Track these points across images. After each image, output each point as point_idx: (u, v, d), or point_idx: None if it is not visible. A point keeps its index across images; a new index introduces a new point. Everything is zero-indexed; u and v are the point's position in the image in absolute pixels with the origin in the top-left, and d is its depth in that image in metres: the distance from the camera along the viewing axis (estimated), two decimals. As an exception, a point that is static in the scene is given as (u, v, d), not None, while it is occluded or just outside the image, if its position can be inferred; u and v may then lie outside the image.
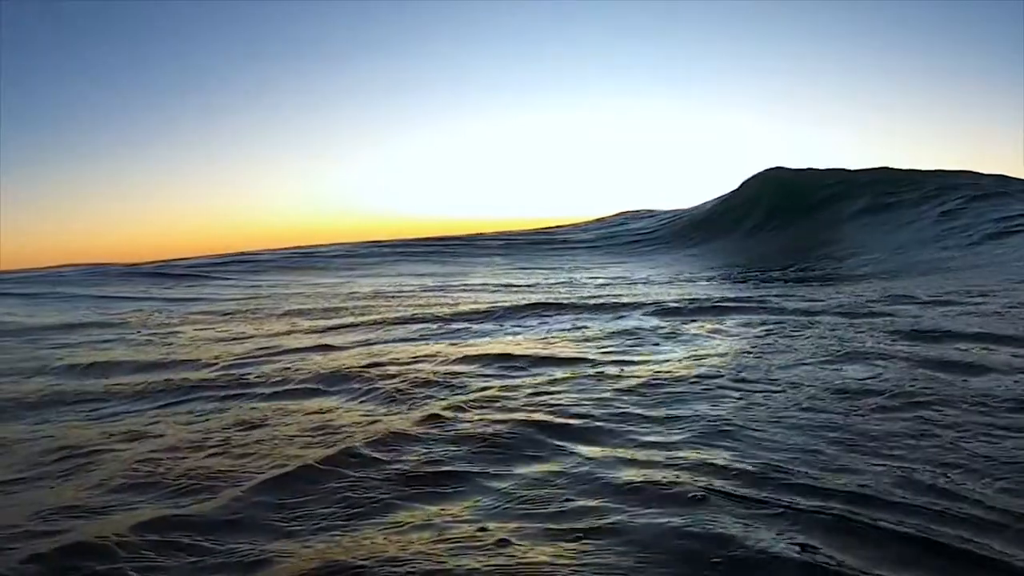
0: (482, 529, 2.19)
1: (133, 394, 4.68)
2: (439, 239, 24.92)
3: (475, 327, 6.55)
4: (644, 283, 11.01)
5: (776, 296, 8.01)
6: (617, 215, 30.01)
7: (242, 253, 22.37)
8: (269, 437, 3.43)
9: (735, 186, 23.79)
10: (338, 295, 10.67)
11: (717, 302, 7.30)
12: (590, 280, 11.77)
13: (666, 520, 2.20)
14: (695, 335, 5.59)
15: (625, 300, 7.89)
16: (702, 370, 4.26)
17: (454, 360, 4.93)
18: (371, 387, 4.33)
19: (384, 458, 2.98)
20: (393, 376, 4.54)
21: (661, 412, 3.48)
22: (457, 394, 3.99)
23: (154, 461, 3.17)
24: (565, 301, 8.03)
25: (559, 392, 3.93)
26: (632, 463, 2.75)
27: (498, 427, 3.27)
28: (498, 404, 3.72)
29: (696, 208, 25.02)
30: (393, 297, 9.95)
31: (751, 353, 4.76)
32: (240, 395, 4.40)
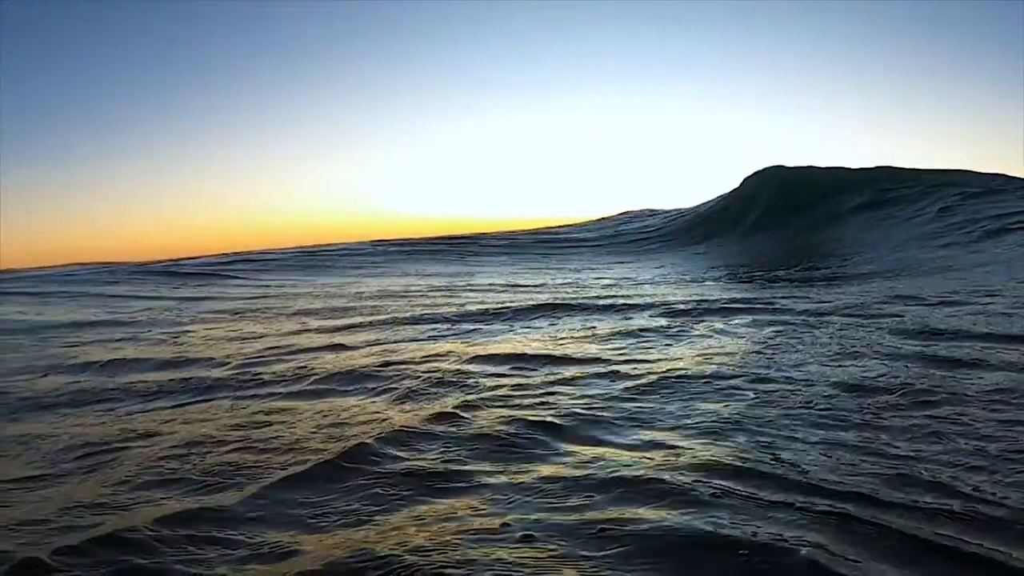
0: (505, 524, 2.25)
1: (150, 392, 4.74)
2: (443, 238, 25.00)
3: (485, 327, 6.61)
4: (650, 283, 11.06)
5: (783, 296, 8.06)
6: (619, 215, 30.10)
7: (248, 252, 22.46)
8: (288, 434, 3.49)
9: (735, 184, 23.92)
10: (345, 295, 10.73)
11: (726, 303, 7.34)
12: (596, 280, 11.82)
13: (683, 517, 2.24)
14: (705, 335, 5.64)
15: (633, 301, 7.94)
16: (715, 369, 4.31)
17: (466, 360, 4.98)
18: (385, 386, 4.39)
19: (403, 454, 3.04)
20: (407, 375, 4.60)
21: (675, 409, 3.54)
22: (472, 392, 4.04)
23: (177, 457, 3.23)
24: (573, 302, 8.08)
25: (573, 390, 3.99)
26: (647, 460, 2.80)
27: (515, 424, 3.33)
28: (513, 402, 3.78)
29: (698, 207, 25.09)
30: (401, 297, 10.00)
31: (762, 352, 4.80)
32: (257, 394, 4.46)
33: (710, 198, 25.08)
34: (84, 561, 2.13)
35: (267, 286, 13.18)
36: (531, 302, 8.20)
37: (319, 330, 7.05)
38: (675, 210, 26.99)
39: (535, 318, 7.03)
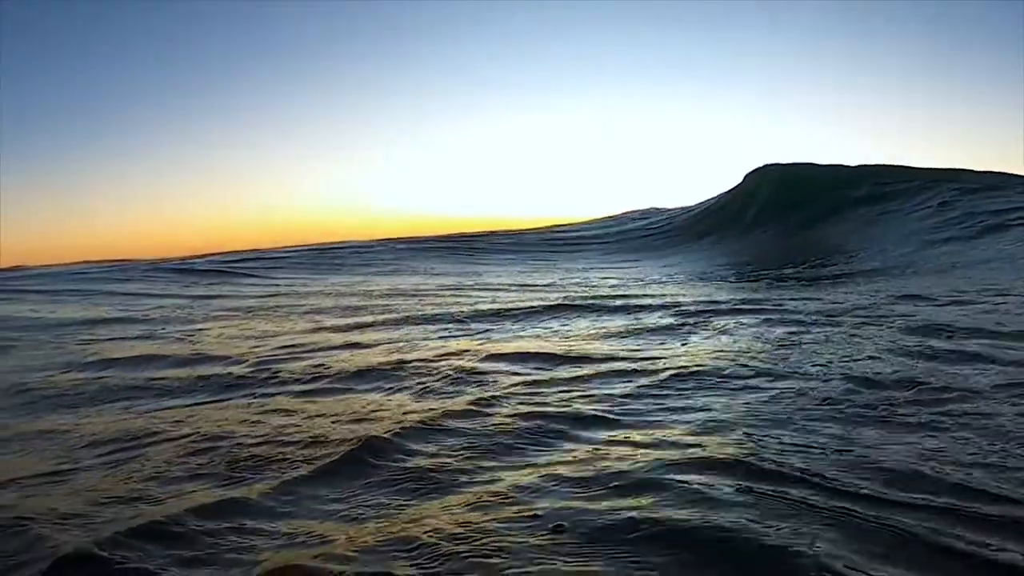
0: (535, 516, 2.30)
1: (169, 389, 4.79)
2: (450, 237, 25.08)
3: (498, 327, 6.66)
4: (659, 283, 11.10)
5: (794, 296, 8.10)
6: (623, 214, 30.15)
7: (258, 250, 22.57)
8: (310, 429, 3.54)
9: (737, 181, 24.01)
10: (356, 293, 10.80)
11: (738, 304, 7.37)
12: (605, 280, 11.87)
13: (699, 512, 2.28)
14: (718, 334, 5.68)
15: (644, 301, 7.98)
16: (731, 367, 4.35)
17: (482, 358, 5.03)
18: (403, 383, 4.45)
19: (427, 447, 3.10)
20: (423, 373, 4.66)
21: (694, 405, 3.59)
22: (490, 389, 4.09)
23: (202, 452, 3.29)
24: (583, 302, 8.12)
25: (592, 387, 4.04)
26: (670, 455, 2.84)
27: (537, 419, 3.39)
28: (533, 398, 3.83)
29: (702, 204, 25.13)
30: (411, 296, 10.06)
31: (777, 352, 4.84)
32: (276, 391, 4.51)
33: (712, 196, 25.16)
34: (130, 553, 2.18)
35: (278, 284, 13.26)
36: (542, 302, 8.25)
37: (333, 328, 7.12)
38: (679, 208, 27.04)
39: (548, 318, 7.08)
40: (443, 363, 4.94)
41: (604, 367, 4.53)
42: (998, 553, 1.97)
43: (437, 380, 4.43)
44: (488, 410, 3.61)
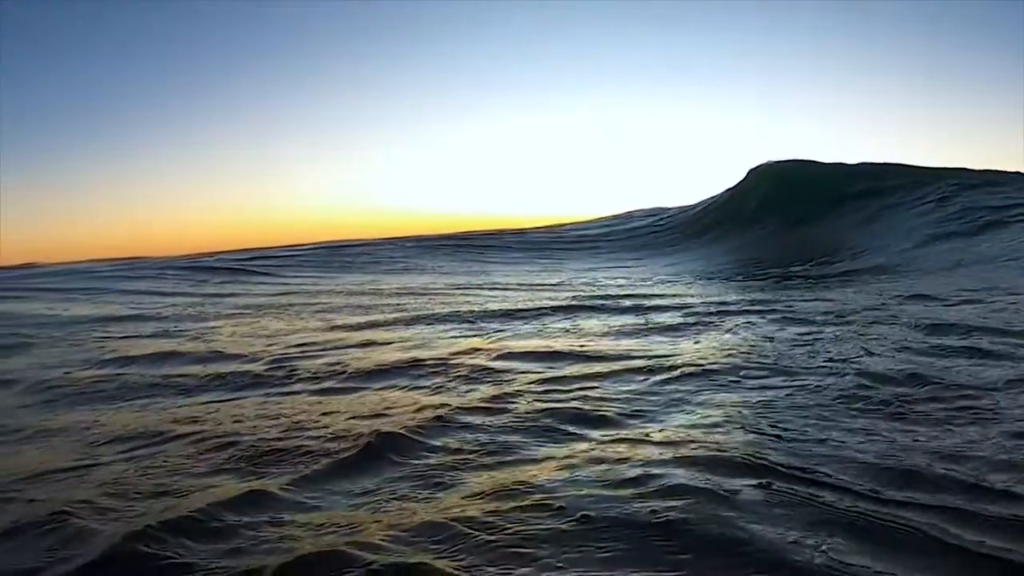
0: (561, 507, 2.35)
1: (186, 386, 4.84)
2: (458, 236, 25.11)
3: (510, 326, 6.70)
4: (666, 282, 11.13)
5: (802, 297, 8.13)
6: (626, 213, 30.13)
7: (267, 248, 22.66)
8: (330, 424, 3.60)
9: (739, 179, 24.01)
10: (366, 292, 10.85)
11: (747, 305, 7.41)
12: (613, 279, 11.89)
13: (713, 508, 2.32)
14: (728, 333, 5.72)
15: (653, 302, 8.02)
16: (742, 365, 4.39)
17: (496, 356, 5.09)
18: (418, 381, 4.50)
19: (447, 441, 3.16)
20: (438, 371, 4.71)
21: (708, 400, 3.65)
22: (506, 385, 4.15)
23: (224, 446, 3.34)
24: (593, 301, 8.16)
25: (607, 384, 4.10)
26: (682, 453, 2.89)
27: (554, 414, 3.46)
28: (550, 394, 3.89)
29: (704, 202, 25.11)
30: (421, 295, 10.11)
31: (788, 349, 4.89)
32: (293, 388, 4.57)
33: (714, 194, 25.14)
34: (168, 545, 2.23)
35: (288, 283, 13.32)
36: (552, 301, 8.29)
37: (346, 327, 7.17)
38: (682, 207, 27.00)
39: (559, 317, 7.12)
40: (457, 361, 4.99)
41: (617, 365, 4.57)
42: (1011, 554, 1.98)
43: (452, 378, 4.48)
44: (504, 406, 3.66)
